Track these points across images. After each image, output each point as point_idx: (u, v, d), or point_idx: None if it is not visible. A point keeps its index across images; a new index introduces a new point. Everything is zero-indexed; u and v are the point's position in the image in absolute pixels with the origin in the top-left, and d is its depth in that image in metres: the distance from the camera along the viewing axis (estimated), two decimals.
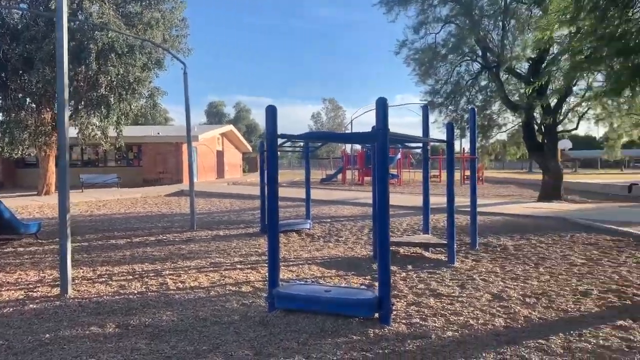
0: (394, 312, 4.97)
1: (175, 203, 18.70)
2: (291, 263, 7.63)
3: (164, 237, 10.25)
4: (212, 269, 7.24)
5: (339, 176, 36.85)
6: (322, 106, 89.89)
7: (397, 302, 5.41)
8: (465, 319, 4.83)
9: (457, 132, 20.37)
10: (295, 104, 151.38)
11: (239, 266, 7.38)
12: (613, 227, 10.51)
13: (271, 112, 5.00)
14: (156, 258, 8.10)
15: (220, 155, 41.19)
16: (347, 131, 54.26)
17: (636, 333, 4.36)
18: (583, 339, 4.24)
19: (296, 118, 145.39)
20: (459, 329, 4.57)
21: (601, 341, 4.17)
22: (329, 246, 9.18)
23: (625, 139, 21.26)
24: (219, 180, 37.26)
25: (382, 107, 4.70)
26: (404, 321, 4.78)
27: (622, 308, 5.16)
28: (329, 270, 7.14)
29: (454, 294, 5.77)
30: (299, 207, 15.68)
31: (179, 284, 6.37)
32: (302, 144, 11.59)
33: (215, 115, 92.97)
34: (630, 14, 7.55)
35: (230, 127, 44.03)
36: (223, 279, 6.57)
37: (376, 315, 4.76)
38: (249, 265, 7.41)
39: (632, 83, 8.12)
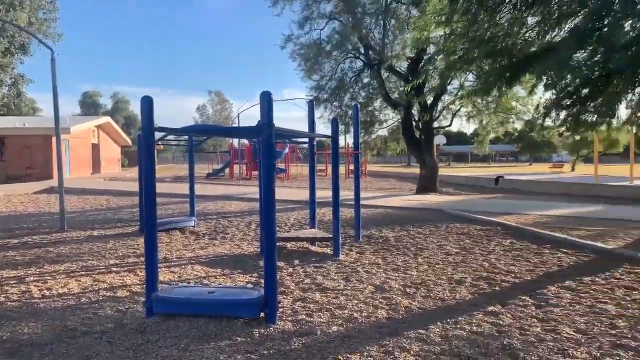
0: (280, 310, 4.89)
1: (44, 201, 17.16)
2: (173, 263, 7.26)
3: (30, 239, 9.31)
4: (84, 273, 6.67)
5: (227, 170, 36.20)
6: (208, 98, 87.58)
7: (284, 299, 5.34)
8: (350, 312, 4.88)
9: (341, 127, 20.85)
10: (180, 95, 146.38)
11: (114, 269, 6.87)
12: (483, 217, 11.33)
13: (147, 103, 4.66)
14: (19, 263, 7.31)
15: (96, 148, 38.61)
16: (234, 125, 53.48)
17: (505, 318, 4.67)
18: (458, 326, 4.45)
19: (181, 110, 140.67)
20: (343, 323, 4.60)
21: (474, 327, 4.40)
22: (214, 244, 8.89)
23: (492, 135, 23.17)
24: (95, 176, 34.92)
25: (266, 101, 4.57)
26: (290, 318, 4.72)
27: (492, 294, 5.52)
28: (214, 270, 6.89)
29: (339, 288, 5.82)
30: (183, 203, 15.10)
31: (45, 291, 5.78)
32: (186, 137, 11.11)
33: (90, 106, 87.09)
34: (497, 19, 8.12)
35: (107, 118, 41.44)
36: (96, 284, 6.07)
37: (262, 314, 4.64)
38: (126, 268, 6.94)
39: (499, 83, 8.77)
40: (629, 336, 4.15)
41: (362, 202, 9.85)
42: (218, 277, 6.50)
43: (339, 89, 19.49)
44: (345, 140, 34.52)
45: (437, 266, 6.90)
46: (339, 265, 7.00)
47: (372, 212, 13.14)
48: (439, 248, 8.19)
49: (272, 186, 4.66)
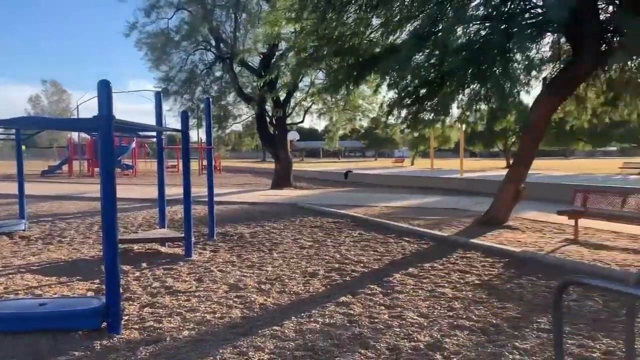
0: (126, 318, 4.52)
1: None
2: None
3: None
4: None
5: (65, 167, 33.18)
6: (42, 88, 79.27)
7: (129, 305, 4.96)
8: (202, 315, 4.68)
9: (193, 121, 20.24)
10: (9, 85, 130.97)
11: None
12: (334, 210, 11.72)
13: None
14: None
15: None
16: (72, 117, 49.15)
17: (355, 307, 4.82)
18: (312, 319, 4.49)
19: (10, 101, 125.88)
20: (195, 326, 4.39)
21: (327, 319, 4.48)
22: (49, 249, 8.01)
23: (341, 132, 24.17)
24: None
25: (105, 90, 4.17)
26: (136, 326, 4.38)
27: (344, 285, 5.68)
28: (48, 278, 6.17)
29: (191, 289, 5.57)
30: (13, 204, 13.46)
31: None
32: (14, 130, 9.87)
33: None
34: (345, 18, 8.40)
35: None
36: None
37: (104, 324, 4.24)
38: None
39: (347, 82, 9.10)
40: (464, 317, 4.53)
41: (216, 198, 9.61)
42: (53, 286, 5.83)
43: (189, 82, 18.86)
44: (198, 135, 33.61)
45: (291, 260, 6.94)
46: (192, 266, 6.72)
47: (227, 208, 12.92)
48: (293, 242, 8.27)
49: (113, 183, 4.27)
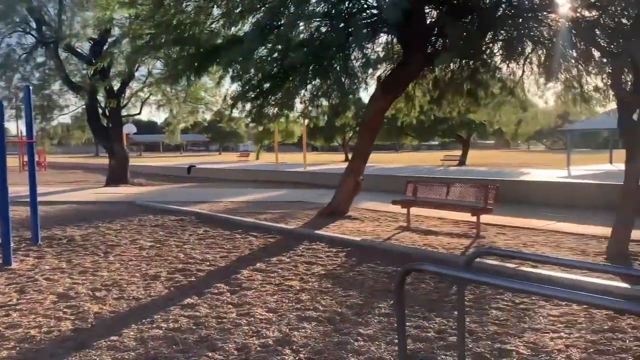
0: None
1: None
2: None
3: None
4: None
5: None
6: None
7: None
8: (25, 331, 4.12)
9: (11, 112, 18.04)
10: None
11: None
12: (177, 207, 11.24)
13: None
14: None
15: None
16: None
17: (201, 308, 4.62)
18: (155, 325, 4.20)
19: None
20: (16, 344, 3.84)
21: (171, 324, 4.22)
22: None
23: (183, 125, 23.32)
24: None
25: None
26: None
27: (189, 286, 5.43)
28: None
29: (11, 303, 4.88)
30: None
31: None
32: None
33: None
34: (184, 6, 8.03)
35: None
36: None
37: None
38: None
39: (188, 72, 8.75)
40: (312, 308, 4.59)
41: (41, 198, 8.64)
42: None
43: (5, 67, 16.73)
44: (18, 127, 29.96)
45: (130, 263, 6.46)
46: (12, 275, 5.91)
47: (54, 209, 11.68)
48: (132, 243, 7.72)
49: None
